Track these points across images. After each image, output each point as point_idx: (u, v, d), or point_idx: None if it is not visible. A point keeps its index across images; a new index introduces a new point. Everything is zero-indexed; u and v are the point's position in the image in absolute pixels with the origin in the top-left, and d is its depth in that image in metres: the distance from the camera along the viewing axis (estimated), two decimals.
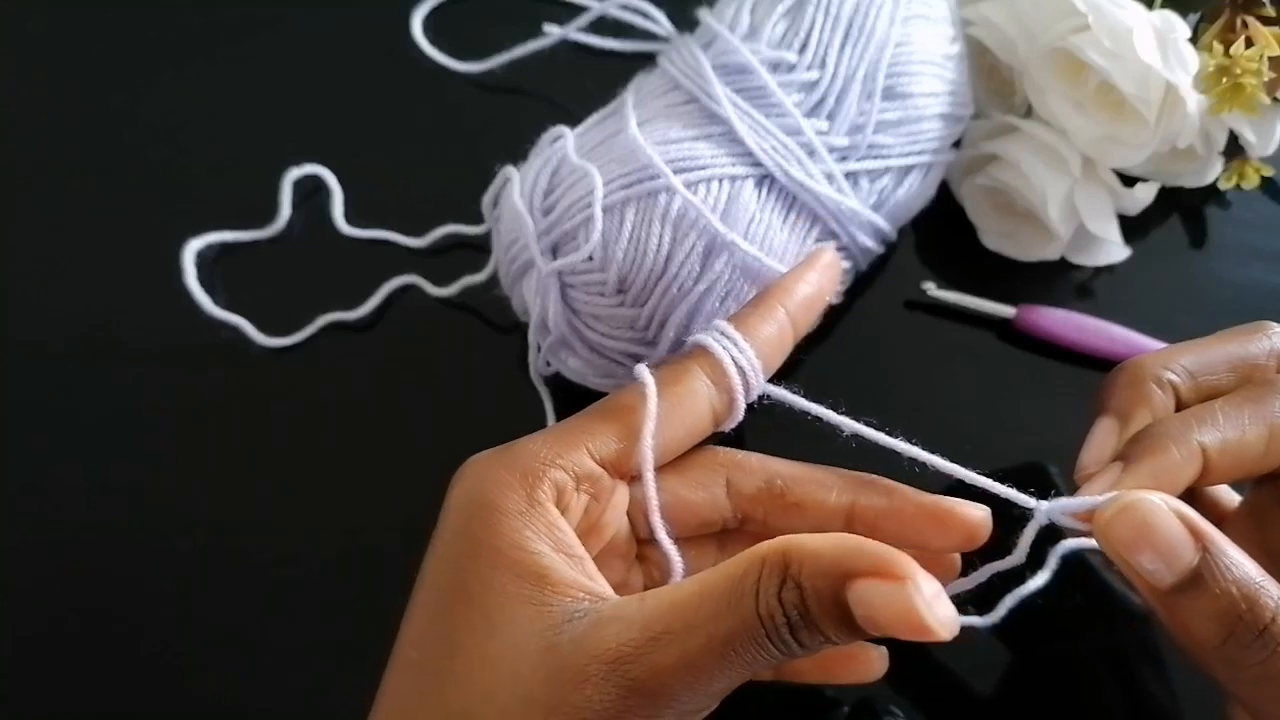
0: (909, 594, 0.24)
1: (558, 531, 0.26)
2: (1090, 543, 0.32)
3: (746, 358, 0.30)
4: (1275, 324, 0.32)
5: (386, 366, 0.43)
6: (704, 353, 0.30)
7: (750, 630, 0.24)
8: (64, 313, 0.44)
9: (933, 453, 0.30)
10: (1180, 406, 0.30)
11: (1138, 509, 0.25)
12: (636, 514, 0.30)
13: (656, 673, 0.23)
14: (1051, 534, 0.33)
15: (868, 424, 0.30)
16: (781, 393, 0.31)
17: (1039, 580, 0.31)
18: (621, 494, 0.30)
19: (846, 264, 0.38)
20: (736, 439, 0.33)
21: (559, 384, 0.40)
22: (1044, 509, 0.29)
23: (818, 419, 0.30)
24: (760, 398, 0.32)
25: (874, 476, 0.31)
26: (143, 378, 0.42)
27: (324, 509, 0.40)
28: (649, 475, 0.28)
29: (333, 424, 0.42)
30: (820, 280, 0.33)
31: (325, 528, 0.40)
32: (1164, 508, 0.25)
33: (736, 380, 0.30)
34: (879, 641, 0.29)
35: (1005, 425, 0.41)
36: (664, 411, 0.29)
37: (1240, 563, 0.25)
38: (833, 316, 0.42)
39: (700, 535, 0.32)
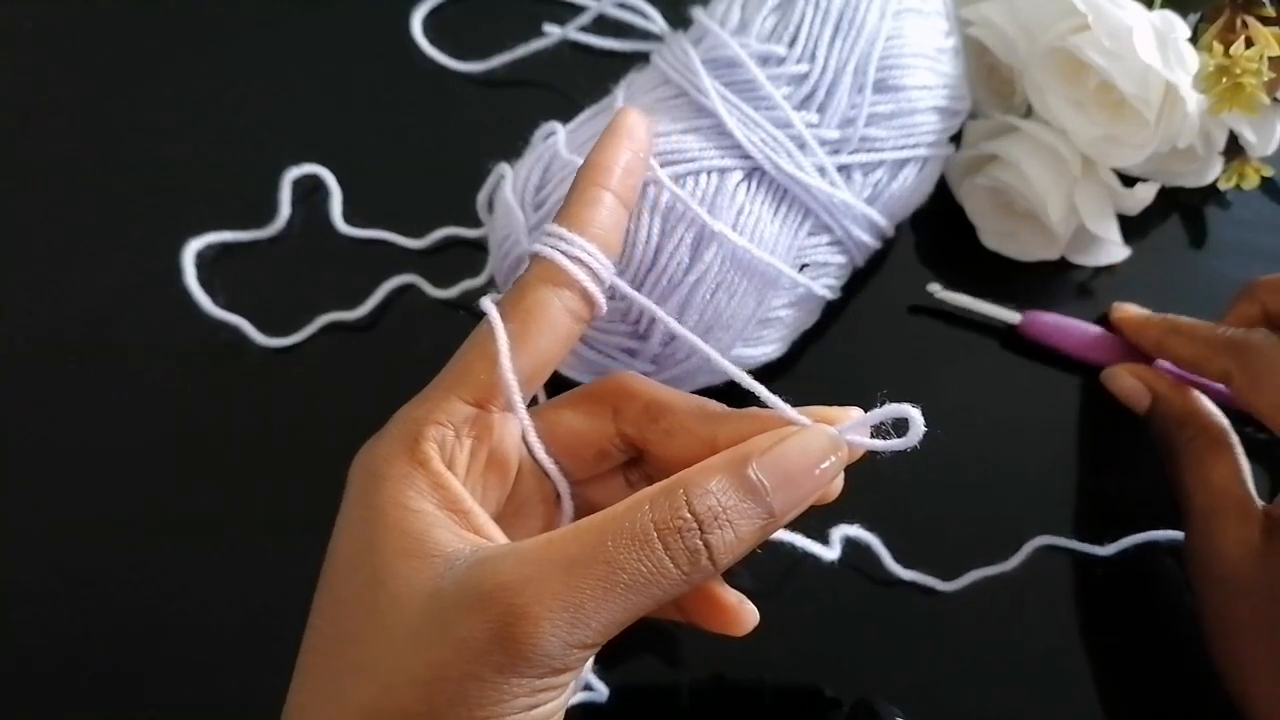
0: (816, 427, 0.26)
1: (442, 490, 0.27)
2: (1069, 542, 0.38)
3: (579, 247, 0.29)
4: None
5: (386, 366, 0.43)
6: (538, 260, 0.30)
7: (645, 552, 0.24)
8: (64, 313, 0.44)
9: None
10: None
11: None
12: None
13: (537, 599, 0.23)
14: (1028, 527, 0.37)
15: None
16: (625, 287, 0.31)
17: (1009, 565, 0.38)
18: (510, 425, 0.29)
19: (829, 244, 0.38)
20: None
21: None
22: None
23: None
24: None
25: (749, 410, 0.29)
26: (143, 378, 0.42)
27: (324, 509, 0.40)
28: (515, 397, 0.28)
29: (332, 424, 0.41)
30: (633, 146, 0.31)
31: (325, 528, 0.39)
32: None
33: (577, 272, 0.29)
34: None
35: (1005, 426, 0.41)
36: (517, 330, 0.28)
37: None
38: (833, 316, 0.42)
39: (604, 473, 0.32)
